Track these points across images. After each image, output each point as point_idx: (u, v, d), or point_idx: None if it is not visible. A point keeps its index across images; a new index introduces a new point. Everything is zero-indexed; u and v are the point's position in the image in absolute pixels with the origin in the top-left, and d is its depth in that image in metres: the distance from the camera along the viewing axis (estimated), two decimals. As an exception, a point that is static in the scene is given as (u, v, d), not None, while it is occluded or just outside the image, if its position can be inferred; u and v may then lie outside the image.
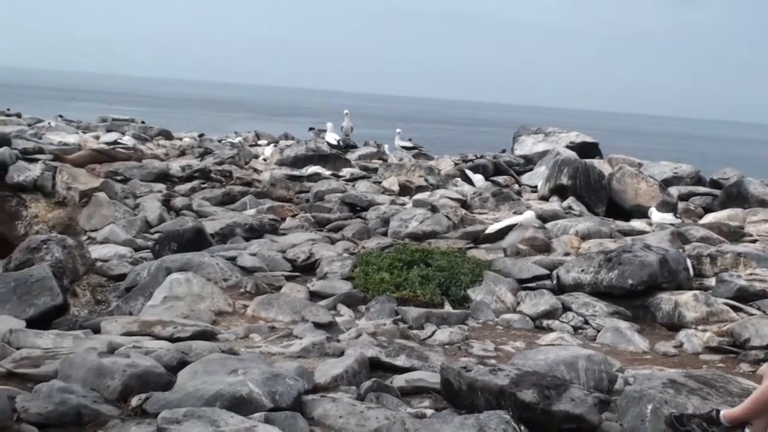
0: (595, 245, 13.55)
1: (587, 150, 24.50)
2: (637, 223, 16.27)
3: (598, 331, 10.13)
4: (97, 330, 9.23)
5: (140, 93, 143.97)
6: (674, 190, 19.20)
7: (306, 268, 12.66)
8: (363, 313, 10.47)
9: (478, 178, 20.13)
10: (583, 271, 11.43)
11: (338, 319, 10.05)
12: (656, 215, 16.02)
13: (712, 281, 11.73)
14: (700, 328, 10.15)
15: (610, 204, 18.15)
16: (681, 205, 18.49)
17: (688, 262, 11.82)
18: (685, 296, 10.70)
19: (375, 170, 21.87)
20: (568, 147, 23.85)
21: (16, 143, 21.61)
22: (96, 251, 14.05)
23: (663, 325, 10.58)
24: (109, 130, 27.06)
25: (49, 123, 28.48)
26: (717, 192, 19.87)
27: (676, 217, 16.34)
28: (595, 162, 21.32)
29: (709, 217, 17.35)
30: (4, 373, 7.33)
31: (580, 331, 10.27)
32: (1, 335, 8.74)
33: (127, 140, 24.28)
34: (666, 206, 17.02)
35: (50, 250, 12.64)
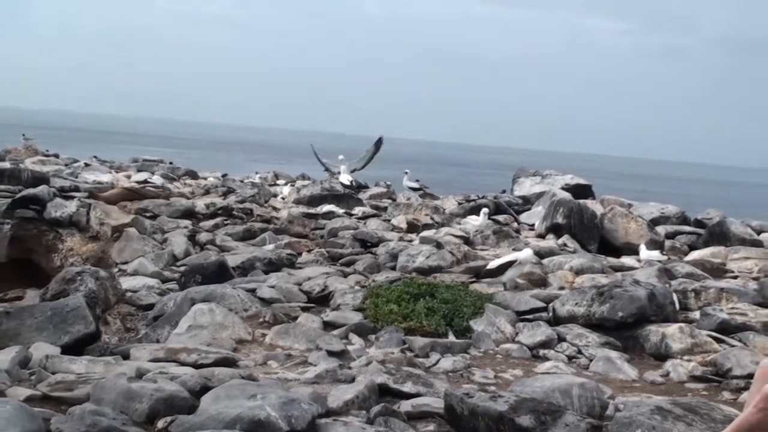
0: (588, 280, 13.52)
1: (581, 191, 24.49)
2: (627, 260, 16.23)
3: (591, 361, 10.10)
4: (126, 356, 9.24)
5: (169, 135, 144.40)
6: (661, 229, 19.14)
7: (320, 300, 12.65)
8: (373, 342, 10.44)
9: (483, 213, 20.06)
10: (577, 304, 11.40)
11: (350, 348, 10.03)
12: (644, 252, 15.97)
13: (696, 314, 11.70)
14: (686, 358, 10.12)
15: (602, 242, 18.11)
16: (668, 243, 18.42)
17: (675, 297, 11.82)
18: (672, 328, 10.66)
19: (385, 209, 21.87)
20: (563, 188, 23.87)
21: (53, 181, 21.70)
22: (126, 282, 14.05)
23: (651, 355, 10.54)
24: (139, 170, 27.12)
25: (84, 163, 28.57)
26: (701, 231, 19.79)
27: (663, 255, 16.27)
28: (588, 202, 21.30)
29: (694, 255, 17.29)
30: (40, 396, 7.32)
31: (574, 360, 10.24)
32: (37, 361, 8.76)
33: (156, 179, 24.31)
34: (654, 244, 16.96)
35: (84, 282, 12.64)
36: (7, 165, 23.56)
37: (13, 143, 32.51)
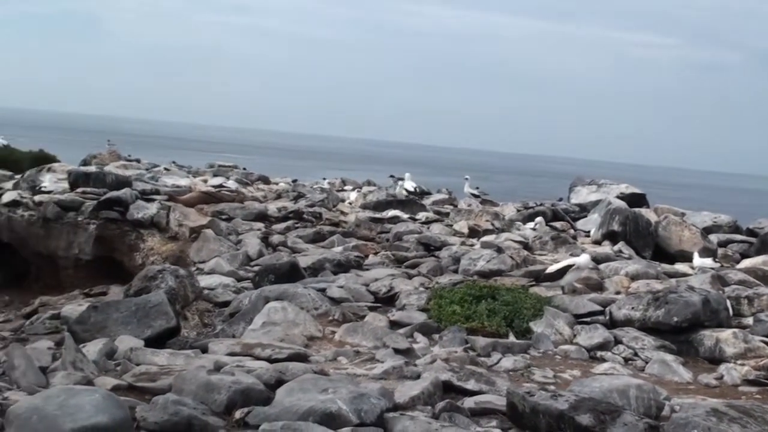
0: (643, 285, 13.36)
1: (635, 200, 24.21)
2: (680, 267, 16.01)
3: (647, 363, 9.98)
4: (205, 350, 9.31)
5: (242, 143, 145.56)
6: (714, 238, 18.88)
7: (387, 300, 12.65)
8: (437, 341, 10.40)
9: (536, 222, 19.93)
10: (633, 308, 11.28)
11: (415, 346, 10.01)
12: (698, 260, 15.78)
13: (749, 320, 11.50)
14: (739, 362, 9.96)
15: (656, 249, 17.90)
16: (720, 251, 18.16)
17: (728, 303, 11.61)
18: (726, 333, 10.53)
19: (447, 215, 21.80)
20: (618, 197, 23.61)
21: (136, 185, 21.94)
22: (203, 281, 14.14)
23: (705, 359, 10.41)
24: (215, 175, 27.28)
25: (164, 168, 28.84)
26: (753, 240, 19.49)
27: (716, 262, 16.06)
28: (643, 211, 21.06)
29: (746, 263, 17.01)
30: (126, 386, 7.41)
31: (630, 362, 10.13)
32: (123, 353, 8.88)
33: (231, 184, 24.46)
34: (707, 252, 16.75)
35: (165, 279, 12.76)
36: (93, 169, 23.88)
37: (98, 149, 32.96)
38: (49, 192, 21.97)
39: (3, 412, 6.24)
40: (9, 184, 23.56)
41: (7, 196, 21.72)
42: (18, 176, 24.77)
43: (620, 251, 16.90)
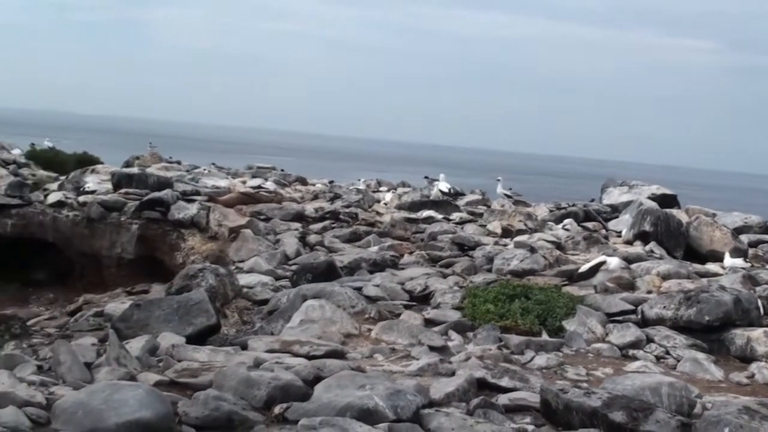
0: (674, 285, 13.27)
1: (667, 201, 24.02)
2: (711, 267, 15.87)
3: (678, 361, 9.94)
4: (244, 347, 9.35)
5: (281, 145, 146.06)
6: (745, 238, 18.68)
7: (421, 299, 12.65)
8: (471, 339, 10.38)
9: (567, 223, 19.82)
10: (664, 307, 11.22)
11: (449, 344, 10.00)
12: (729, 260, 15.65)
13: (781, 320, 11.43)
14: (770, 361, 9.91)
15: (687, 249, 17.76)
16: (751, 251, 18.00)
17: (759, 302, 11.52)
18: (757, 332, 10.47)
19: (480, 215, 21.73)
20: (649, 198, 23.44)
21: (177, 186, 22.02)
22: (243, 279, 14.19)
23: (736, 358, 10.35)
24: (254, 176, 27.32)
25: (204, 169, 28.93)
26: (783, 240, 19.32)
27: (747, 262, 15.91)
28: (674, 211, 20.90)
29: (777, 263, 16.89)
30: (168, 381, 7.45)
31: (662, 360, 10.08)
32: (165, 349, 8.93)
33: (269, 185, 24.50)
34: (737, 252, 16.60)
35: (205, 278, 12.82)
36: (135, 170, 24.01)
37: (140, 151, 33.14)
38: (92, 192, 22.10)
39: (49, 406, 6.31)
40: (54, 185, 23.74)
41: (53, 197, 21.88)
42: (63, 177, 24.98)
43: (652, 251, 16.78)
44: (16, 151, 31.71)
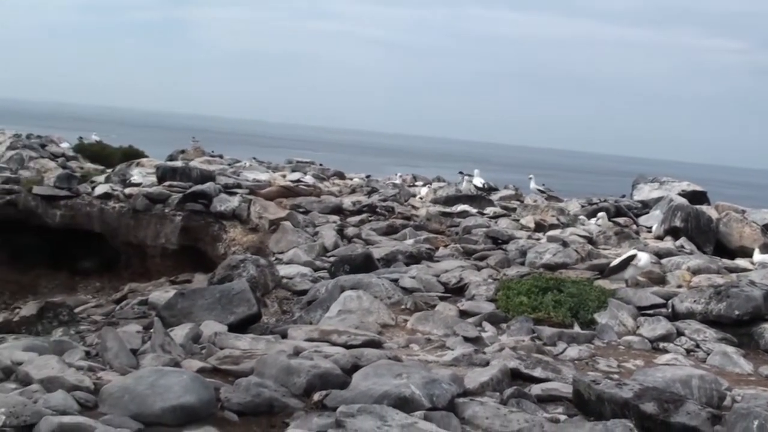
0: (704, 280, 13.16)
1: (697, 197, 23.82)
2: (741, 262, 15.70)
3: (708, 354, 9.82)
4: (284, 336, 9.36)
5: (320, 140, 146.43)
6: (774, 234, 18.53)
7: (456, 291, 12.59)
8: (504, 330, 10.33)
9: (599, 216, 19.68)
10: (695, 301, 11.11)
11: (483, 335, 9.95)
12: (758, 256, 15.47)
13: (810, 315, 11.29)
14: (800, 355, 9.81)
15: (717, 245, 17.60)
16: (780, 247, 17.83)
17: (789, 298, 11.40)
18: (786, 327, 10.35)
19: (514, 210, 21.65)
20: (680, 194, 23.26)
21: (219, 179, 22.14)
22: (282, 270, 14.21)
23: (765, 352, 10.22)
24: (293, 170, 27.38)
25: (245, 163, 29.04)
26: (813, 236, 19.09)
27: (775, 258, 15.74)
28: (704, 208, 20.71)
29: (806, 259, 16.68)
30: (210, 368, 7.48)
31: (692, 353, 9.98)
32: (207, 337, 8.96)
33: (308, 179, 24.57)
34: (767, 248, 16.43)
35: (246, 268, 12.87)
36: (179, 164, 24.16)
37: (183, 145, 33.34)
38: (138, 185, 22.29)
39: (97, 391, 6.35)
40: (101, 178, 23.97)
41: (100, 189, 22.08)
42: (109, 170, 25.20)
43: (682, 246, 16.64)
44: (65, 145, 32.06)
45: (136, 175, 23.37)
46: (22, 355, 7.31)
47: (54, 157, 28.44)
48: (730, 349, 9.93)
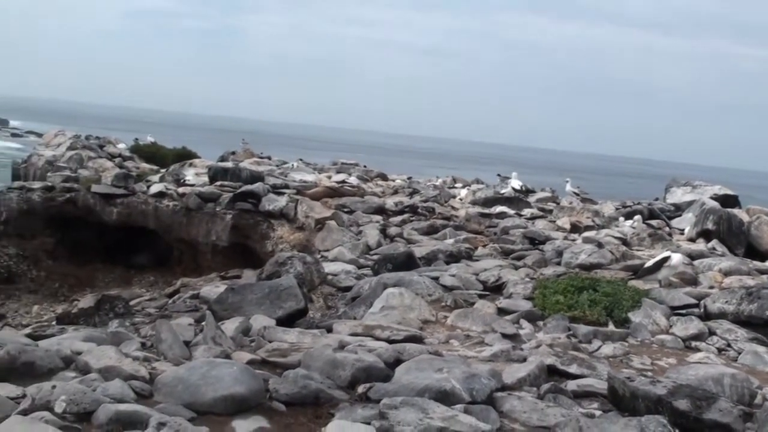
0: (736, 281, 13.00)
1: (728, 201, 23.53)
2: (771, 264, 15.54)
3: (739, 354, 9.69)
4: (330, 330, 9.36)
5: (363, 143, 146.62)
6: (805, 237, 18.25)
7: (494, 289, 12.55)
8: (541, 328, 10.28)
9: (634, 219, 19.53)
10: (727, 302, 10.98)
11: (521, 332, 9.91)
12: (788, 258, 15.30)
13: (840, 316, 11.11)
14: (829, 355, 9.64)
15: (747, 247, 17.37)
16: (811, 250, 17.56)
17: (819, 299, 11.23)
18: (816, 328, 10.19)
19: (550, 211, 21.58)
20: (712, 198, 23.00)
21: (267, 180, 22.28)
22: (327, 267, 14.25)
23: (796, 352, 10.10)
24: (338, 172, 27.45)
25: (292, 164, 29.14)
26: (843, 240, 18.78)
27: (806, 261, 15.50)
28: (735, 211, 20.47)
29: (835, 261, 16.42)
30: (260, 360, 7.50)
31: (723, 352, 9.85)
32: (256, 330, 9.00)
33: (353, 180, 24.61)
34: (797, 251, 16.21)
35: (293, 265, 12.91)
36: (230, 165, 24.32)
37: (234, 147, 33.52)
38: (191, 185, 22.48)
39: (152, 380, 6.40)
40: (156, 177, 24.22)
41: (155, 188, 22.29)
42: (163, 170, 25.42)
43: (714, 248, 16.45)
44: (122, 146, 32.41)
45: (189, 175, 23.58)
46: (81, 346, 7.39)
47: (111, 157, 28.79)
48: (760, 348, 9.78)
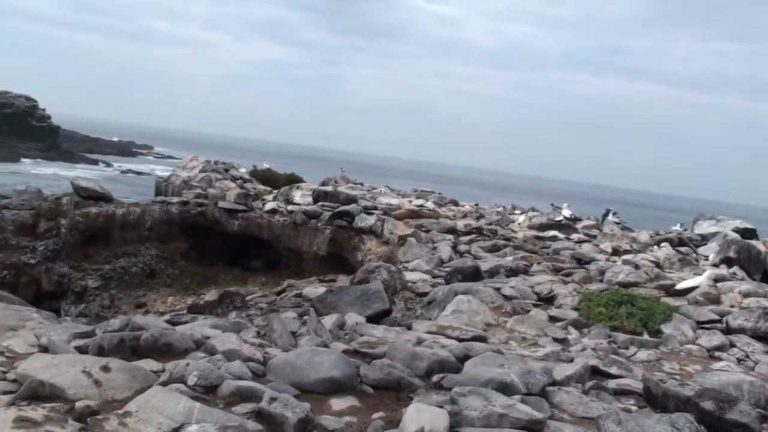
0: (753, 302, 12.60)
1: (748, 233, 22.86)
2: (785, 289, 15.05)
3: (756, 364, 9.42)
4: (409, 328, 9.36)
5: (438, 174, 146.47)
6: (816, 267, 17.64)
7: (547, 300, 12.42)
8: (586, 334, 10.13)
9: (663, 245, 19.11)
10: (746, 319, 10.68)
11: (569, 337, 9.80)
12: (800, 284, 14.79)
13: None
14: (838, 368, 9.29)
15: (764, 273, 16.87)
16: (821, 278, 16.98)
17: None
18: (825, 344, 9.84)
19: (594, 237, 21.24)
20: (733, 230, 22.41)
21: (360, 202, 22.41)
22: (407, 276, 14.28)
23: (806, 364, 9.76)
24: (418, 197, 27.42)
25: (380, 190, 29.25)
26: None
27: (817, 287, 14.98)
28: (754, 242, 19.89)
29: None
30: (352, 350, 7.52)
31: (742, 362, 9.58)
32: (350, 325, 9.06)
33: (430, 205, 24.58)
34: (809, 278, 15.67)
35: (380, 273, 12.97)
36: (330, 189, 24.51)
37: (333, 174, 33.78)
38: (298, 204, 22.73)
39: (265, 363, 6.47)
40: (269, 197, 24.53)
41: (269, 206, 22.61)
42: (276, 191, 25.73)
43: (734, 273, 16.00)
44: (242, 170, 32.85)
45: (297, 196, 23.84)
46: (209, 332, 7.51)
47: (234, 179, 29.21)
48: (775, 360, 9.52)
